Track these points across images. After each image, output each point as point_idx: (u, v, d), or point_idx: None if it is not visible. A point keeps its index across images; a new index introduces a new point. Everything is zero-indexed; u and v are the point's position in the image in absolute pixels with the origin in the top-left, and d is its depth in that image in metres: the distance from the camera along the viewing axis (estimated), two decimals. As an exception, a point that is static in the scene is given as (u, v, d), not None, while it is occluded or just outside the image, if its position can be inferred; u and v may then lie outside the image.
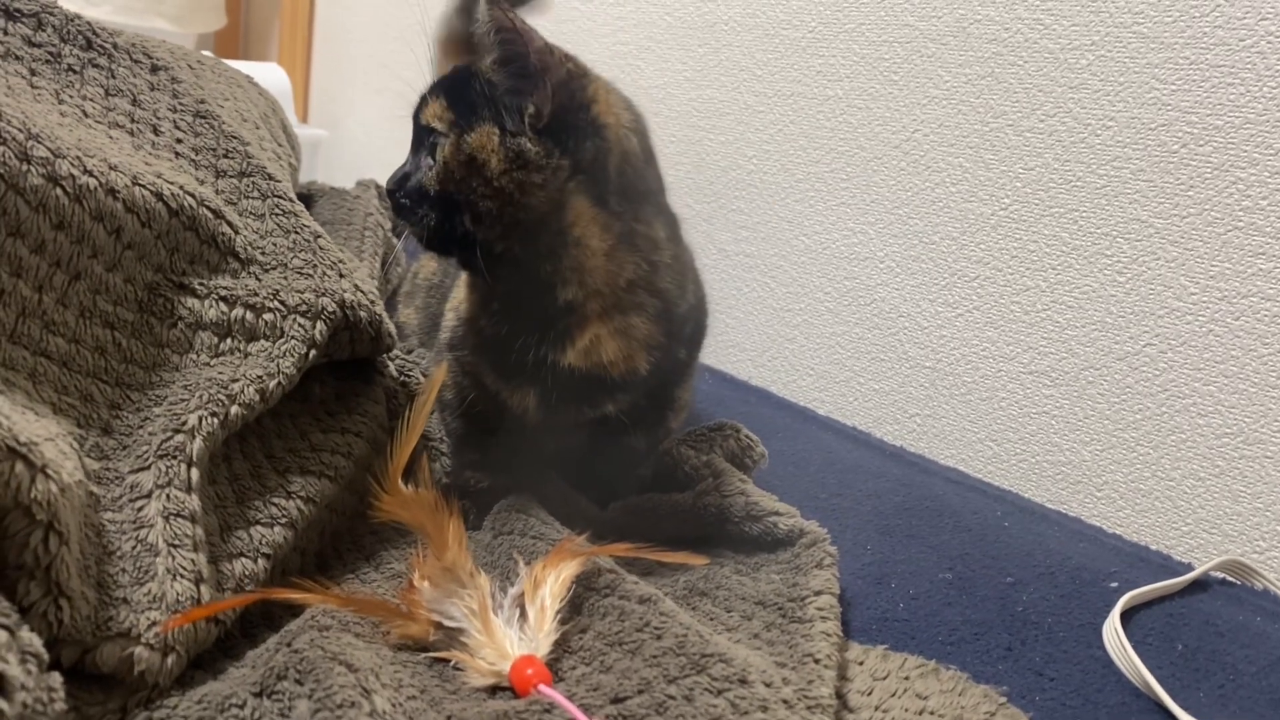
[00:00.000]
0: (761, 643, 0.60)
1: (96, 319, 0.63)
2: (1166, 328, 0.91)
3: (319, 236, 0.76)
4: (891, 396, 1.14)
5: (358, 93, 2.06)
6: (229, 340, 0.68)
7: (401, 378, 0.85)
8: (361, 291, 0.73)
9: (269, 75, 1.52)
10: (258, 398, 0.63)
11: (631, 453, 0.78)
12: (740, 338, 1.29)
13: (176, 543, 0.53)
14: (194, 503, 0.55)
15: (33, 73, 0.74)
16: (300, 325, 0.68)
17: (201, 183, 0.76)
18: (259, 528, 0.61)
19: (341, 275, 0.73)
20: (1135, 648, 0.65)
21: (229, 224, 0.72)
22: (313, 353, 0.68)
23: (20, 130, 0.58)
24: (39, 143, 0.59)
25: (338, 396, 0.76)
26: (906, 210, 1.10)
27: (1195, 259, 0.89)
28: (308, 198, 1.26)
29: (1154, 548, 0.88)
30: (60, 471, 0.47)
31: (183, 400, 0.61)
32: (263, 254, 0.74)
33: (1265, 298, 0.85)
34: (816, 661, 0.57)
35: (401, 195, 0.68)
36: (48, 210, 0.59)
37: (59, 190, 0.59)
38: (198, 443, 0.58)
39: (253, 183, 0.78)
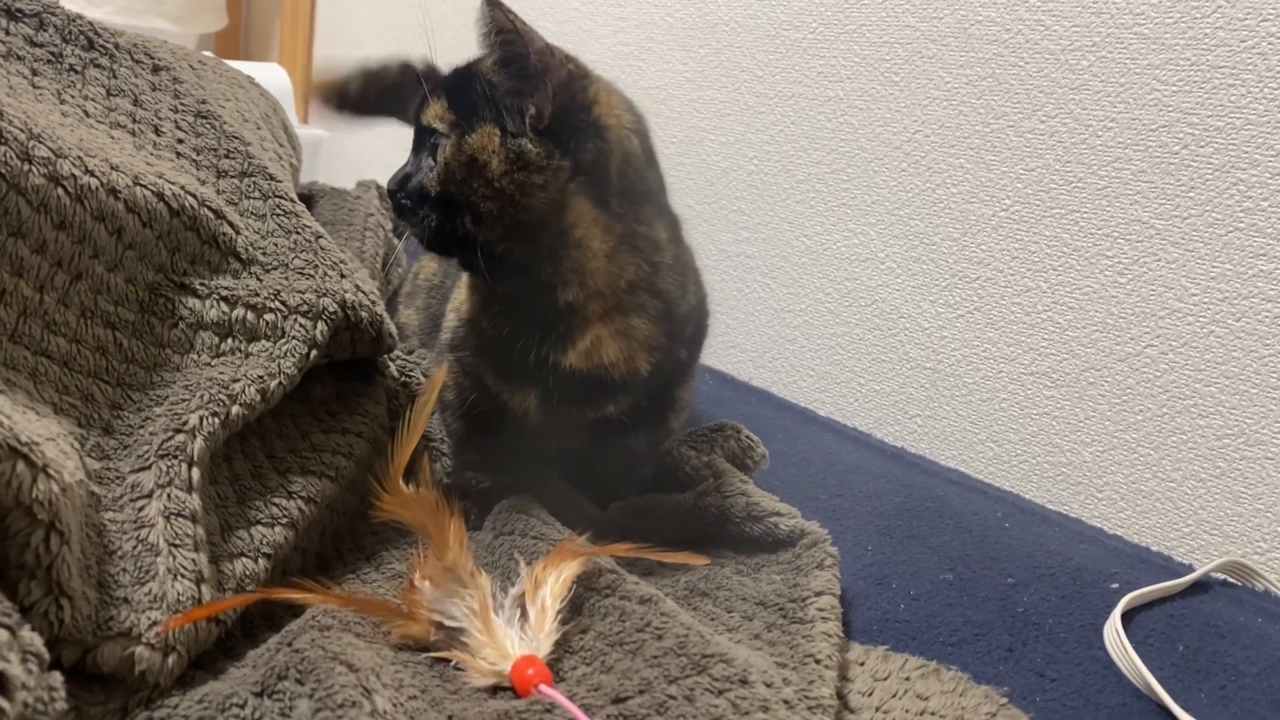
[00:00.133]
0: (762, 643, 0.60)
1: (98, 319, 0.63)
2: (1167, 329, 0.91)
3: (320, 237, 0.76)
4: (892, 397, 1.14)
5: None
6: (230, 340, 0.68)
7: (402, 378, 0.85)
8: (363, 292, 0.73)
9: (270, 76, 1.52)
10: (259, 398, 0.63)
11: (632, 453, 0.78)
12: (741, 338, 1.29)
13: (177, 542, 0.53)
14: (195, 502, 0.55)
15: (34, 73, 0.74)
16: (301, 325, 0.68)
17: (203, 183, 0.76)
18: (260, 527, 0.61)
19: (343, 275, 0.73)
20: (1136, 649, 0.65)
21: (230, 224, 0.72)
22: (314, 353, 0.68)
23: (22, 130, 0.58)
24: (40, 143, 0.59)
25: (339, 397, 0.76)
26: (907, 211, 1.10)
27: (1196, 260, 0.89)
28: (309, 198, 1.26)
29: (1155, 549, 0.88)
30: (61, 471, 0.47)
31: (184, 400, 0.61)
32: (264, 254, 0.74)
33: (1266, 299, 0.85)
34: (817, 662, 0.57)
35: (403, 196, 0.68)
36: (49, 210, 0.59)
37: (60, 190, 0.59)
38: (199, 442, 0.58)
39: (254, 183, 0.79)
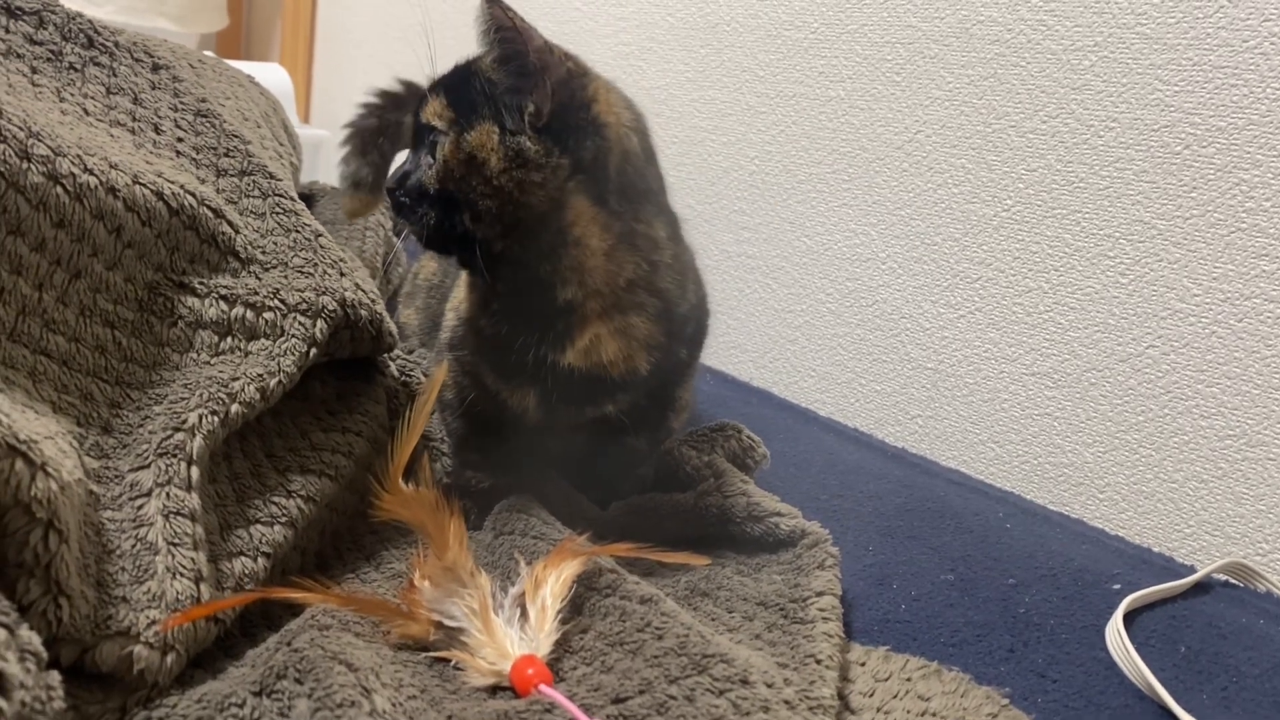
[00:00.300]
0: (763, 643, 0.60)
1: (97, 317, 0.63)
2: (1169, 329, 0.91)
3: (320, 235, 0.76)
4: (893, 398, 1.14)
5: (359, 93, 2.06)
6: (229, 339, 0.68)
7: (402, 377, 0.85)
8: (362, 290, 0.73)
9: (270, 75, 1.52)
10: (258, 396, 0.63)
11: (633, 453, 0.78)
12: (742, 339, 1.29)
13: (176, 541, 0.53)
14: (194, 501, 0.55)
15: (34, 71, 0.74)
16: (301, 324, 0.68)
17: (202, 182, 0.76)
18: (259, 526, 0.61)
19: (342, 274, 0.73)
20: (1138, 650, 0.65)
21: (229, 223, 0.72)
22: (313, 351, 0.68)
23: (21, 128, 0.58)
24: (40, 141, 0.59)
25: (338, 396, 0.76)
26: (909, 211, 1.10)
27: (1198, 261, 0.89)
28: (309, 197, 1.26)
29: (1157, 550, 0.88)
30: (60, 469, 0.46)
31: (183, 399, 0.61)
32: (263, 253, 0.74)
33: (1268, 299, 0.85)
34: (818, 662, 0.57)
35: (401, 193, 0.68)
36: (48, 208, 0.59)
37: (59, 188, 0.59)
38: (198, 441, 0.58)
39: (254, 181, 0.78)
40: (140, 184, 0.65)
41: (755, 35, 1.23)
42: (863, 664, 0.63)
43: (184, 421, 0.58)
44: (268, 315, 0.68)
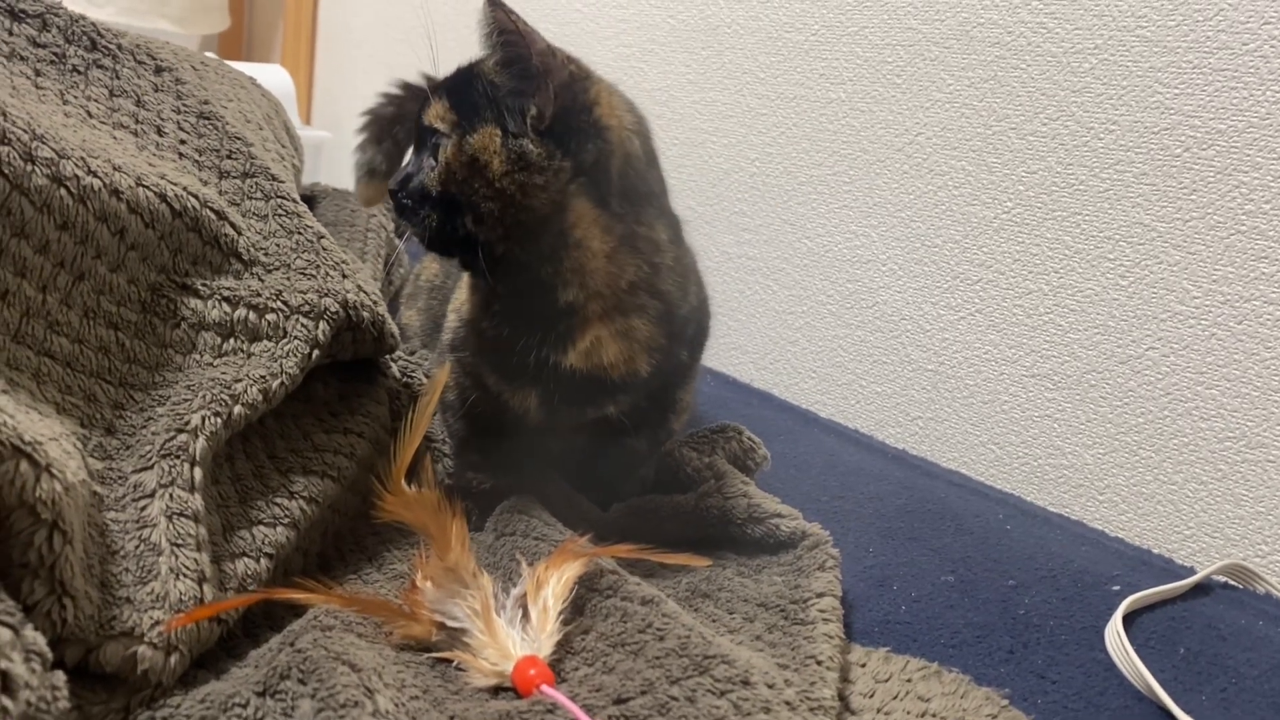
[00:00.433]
0: (764, 644, 0.60)
1: (100, 319, 0.63)
2: (1169, 331, 0.91)
3: (322, 237, 0.77)
4: (894, 399, 1.14)
5: (361, 94, 2.06)
6: (232, 340, 0.68)
7: (404, 379, 0.85)
8: (364, 292, 0.73)
9: (272, 77, 1.52)
10: (261, 398, 0.63)
11: (633, 454, 0.78)
12: (742, 340, 1.29)
13: (179, 542, 0.53)
14: (197, 502, 0.55)
15: (37, 73, 0.74)
16: (303, 325, 0.68)
17: (205, 184, 0.76)
18: (262, 527, 0.61)
19: (344, 276, 0.74)
20: (1137, 651, 0.65)
21: (232, 225, 0.73)
22: (316, 353, 0.68)
23: (25, 131, 0.58)
24: (44, 143, 0.59)
25: (341, 397, 0.76)
26: (909, 213, 1.10)
27: (1198, 263, 0.89)
28: (311, 199, 1.27)
29: (1156, 551, 0.88)
30: (64, 471, 0.47)
31: (186, 400, 0.61)
32: (266, 255, 0.74)
33: (1268, 301, 0.85)
34: (819, 663, 0.57)
35: (404, 195, 0.68)
36: (52, 211, 0.59)
37: (63, 191, 0.59)
38: (201, 442, 0.58)
39: (256, 184, 0.79)
40: (143, 186, 0.66)
41: (756, 38, 1.24)
42: (863, 665, 0.63)
43: (187, 423, 0.59)
44: (270, 317, 0.68)
